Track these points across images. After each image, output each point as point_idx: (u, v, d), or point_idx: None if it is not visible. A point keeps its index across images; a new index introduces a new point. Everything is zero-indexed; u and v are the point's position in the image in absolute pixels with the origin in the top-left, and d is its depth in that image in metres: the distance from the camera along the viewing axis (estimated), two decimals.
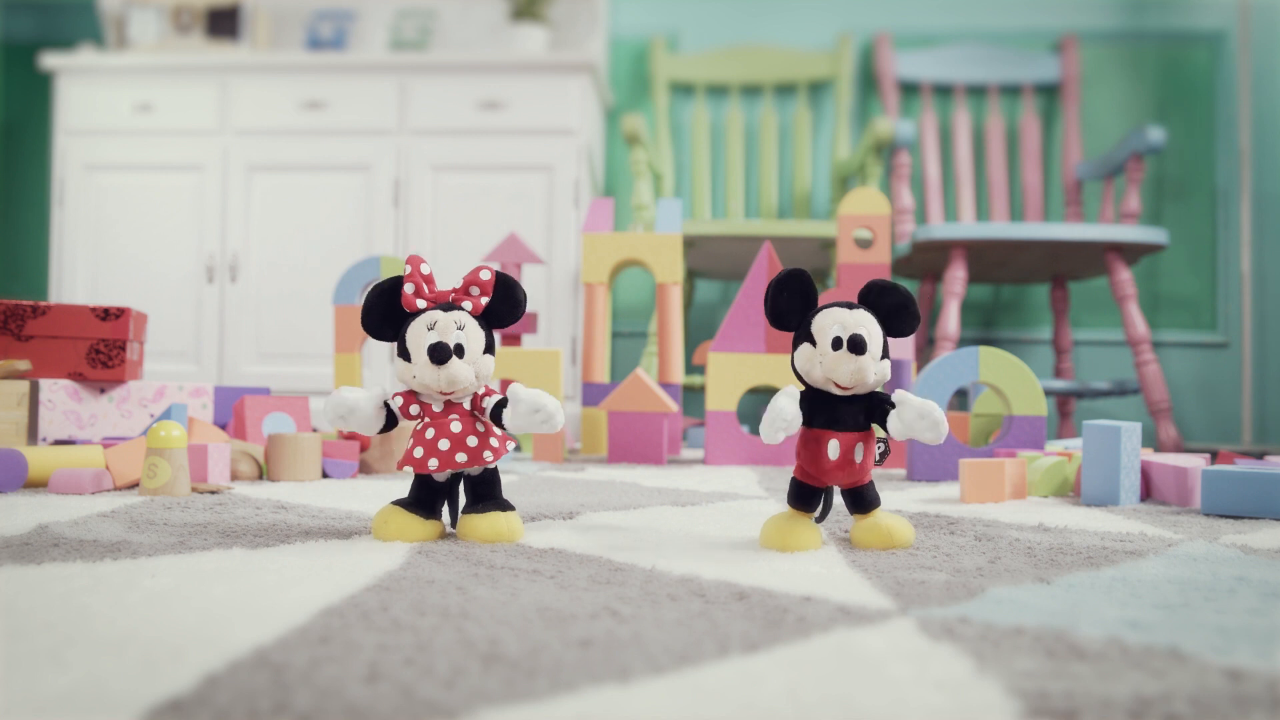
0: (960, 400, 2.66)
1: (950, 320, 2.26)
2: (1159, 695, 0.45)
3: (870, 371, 0.82)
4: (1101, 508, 1.21)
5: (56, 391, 1.56)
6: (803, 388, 0.87)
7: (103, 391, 1.61)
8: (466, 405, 0.89)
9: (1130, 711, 0.43)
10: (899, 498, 1.28)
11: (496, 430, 0.90)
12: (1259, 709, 0.43)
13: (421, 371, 0.86)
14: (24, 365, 1.54)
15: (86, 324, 1.61)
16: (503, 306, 0.89)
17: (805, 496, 0.87)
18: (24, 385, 1.50)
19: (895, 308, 0.85)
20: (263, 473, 1.41)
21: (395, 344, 0.88)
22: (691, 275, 2.81)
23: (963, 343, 2.95)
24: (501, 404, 0.88)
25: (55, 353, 1.60)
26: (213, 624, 0.56)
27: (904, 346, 1.92)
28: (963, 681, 0.47)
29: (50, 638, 0.52)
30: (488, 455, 0.88)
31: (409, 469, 0.88)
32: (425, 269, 0.89)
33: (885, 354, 0.84)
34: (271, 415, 1.61)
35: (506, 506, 0.90)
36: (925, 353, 2.65)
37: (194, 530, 0.91)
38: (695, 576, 0.72)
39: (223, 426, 1.72)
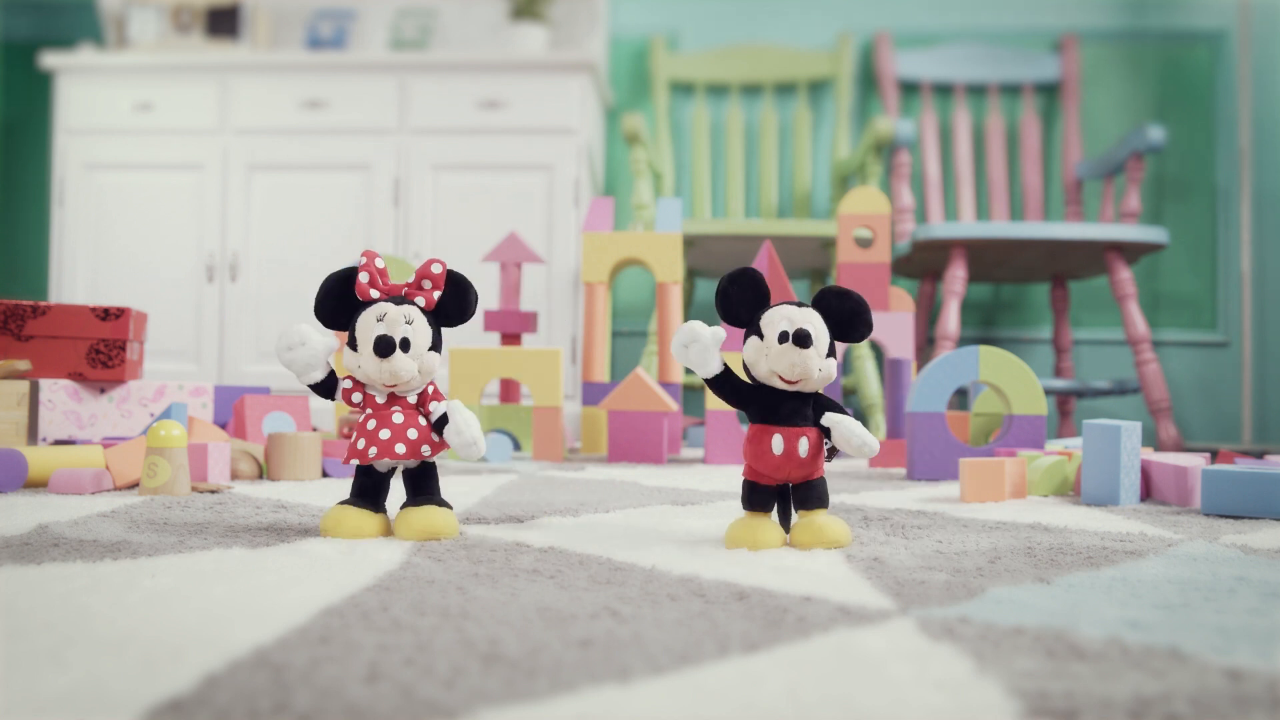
0: (960, 399, 2.66)
1: (950, 319, 2.26)
2: (1159, 695, 0.45)
3: (814, 366, 0.83)
4: (1101, 507, 1.21)
5: (56, 391, 1.56)
6: (749, 381, 0.88)
7: (103, 391, 1.61)
8: (412, 400, 0.90)
9: (1130, 711, 0.43)
10: (899, 497, 1.28)
11: (436, 433, 0.91)
12: (1259, 709, 0.43)
13: (366, 363, 0.87)
14: (24, 365, 1.54)
15: (86, 324, 1.61)
16: (452, 304, 0.90)
17: (757, 497, 0.87)
18: (24, 385, 1.50)
19: (848, 314, 0.86)
20: (263, 472, 1.41)
21: (346, 333, 0.89)
22: (691, 274, 2.81)
23: (963, 342, 2.95)
24: (444, 420, 0.90)
25: (55, 353, 1.60)
26: (213, 624, 0.56)
27: (904, 346, 1.92)
28: (963, 681, 0.47)
29: (50, 638, 0.52)
30: (425, 450, 0.89)
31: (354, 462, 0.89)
32: (380, 263, 0.90)
33: (832, 353, 0.85)
34: (271, 414, 1.61)
35: (442, 503, 0.90)
36: (925, 352, 2.65)
37: (194, 530, 0.91)
38: (695, 576, 0.72)
39: (223, 426, 1.72)
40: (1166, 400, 2.29)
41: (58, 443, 1.50)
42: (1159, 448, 2.30)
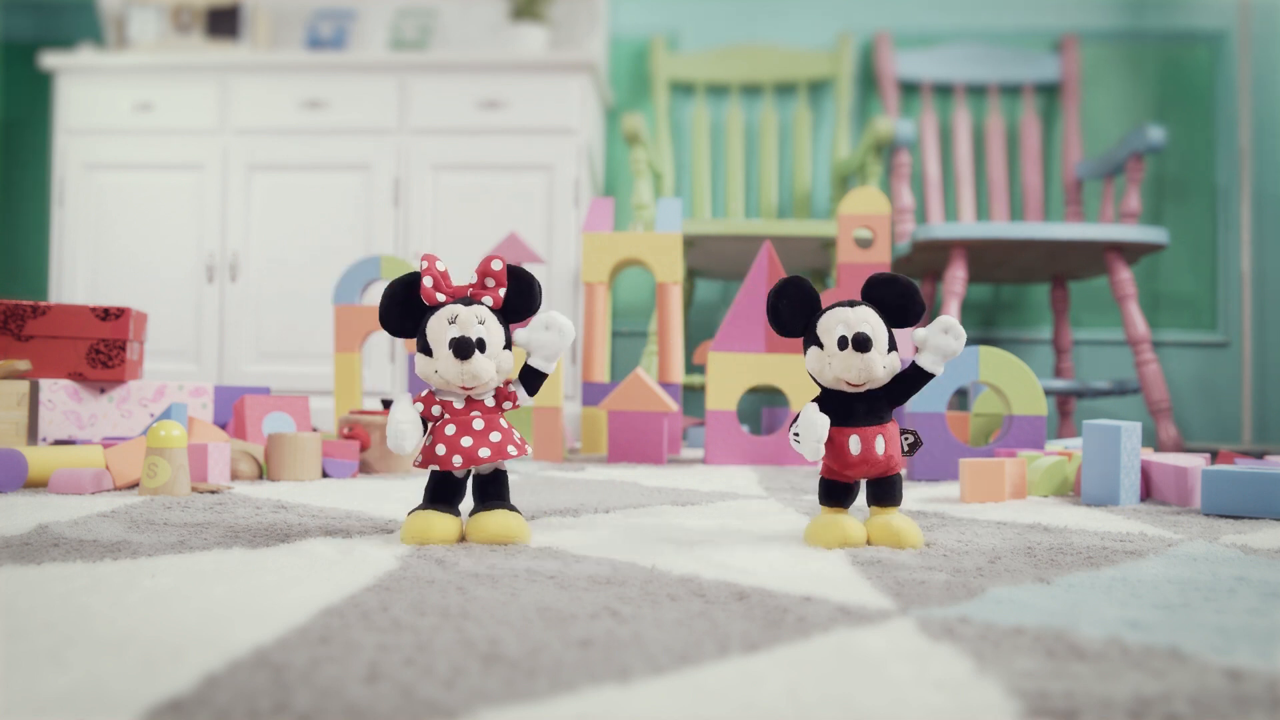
0: (960, 400, 2.66)
1: None
2: (1159, 695, 0.45)
3: (878, 366, 0.84)
4: (1101, 508, 1.21)
5: (56, 391, 1.56)
6: (818, 390, 0.88)
7: (103, 391, 1.61)
8: (489, 402, 0.89)
9: (1130, 711, 0.43)
10: None
11: (517, 431, 0.91)
12: (1259, 709, 0.43)
13: (444, 366, 0.85)
14: (24, 365, 1.54)
15: (86, 324, 1.61)
16: (519, 300, 0.89)
17: (835, 493, 0.88)
18: (24, 385, 1.50)
19: (899, 299, 0.87)
20: (263, 472, 1.41)
21: (415, 339, 0.88)
22: (691, 275, 2.80)
23: None
24: (526, 370, 0.90)
25: (55, 353, 1.60)
26: (213, 624, 0.56)
27: (904, 345, 1.92)
28: (963, 681, 0.47)
29: (50, 638, 0.52)
30: (511, 450, 0.88)
31: (432, 467, 0.87)
32: (441, 265, 0.89)
33: (893, 346, 0.85)
34: (271, 415, 1.61)
35: (512, 508, 0.90)
36: None
37: (194, 530, 0.91)
38: (695, 576, 0.72)
39: (223, 426, 1.72)
40: (1166, 400, 2.29)
41: (58, 443, 1.50)
42: (1159, 448, 2.30)
